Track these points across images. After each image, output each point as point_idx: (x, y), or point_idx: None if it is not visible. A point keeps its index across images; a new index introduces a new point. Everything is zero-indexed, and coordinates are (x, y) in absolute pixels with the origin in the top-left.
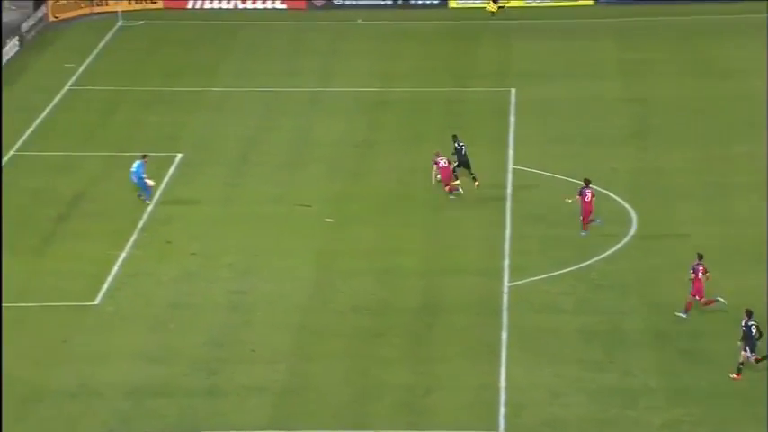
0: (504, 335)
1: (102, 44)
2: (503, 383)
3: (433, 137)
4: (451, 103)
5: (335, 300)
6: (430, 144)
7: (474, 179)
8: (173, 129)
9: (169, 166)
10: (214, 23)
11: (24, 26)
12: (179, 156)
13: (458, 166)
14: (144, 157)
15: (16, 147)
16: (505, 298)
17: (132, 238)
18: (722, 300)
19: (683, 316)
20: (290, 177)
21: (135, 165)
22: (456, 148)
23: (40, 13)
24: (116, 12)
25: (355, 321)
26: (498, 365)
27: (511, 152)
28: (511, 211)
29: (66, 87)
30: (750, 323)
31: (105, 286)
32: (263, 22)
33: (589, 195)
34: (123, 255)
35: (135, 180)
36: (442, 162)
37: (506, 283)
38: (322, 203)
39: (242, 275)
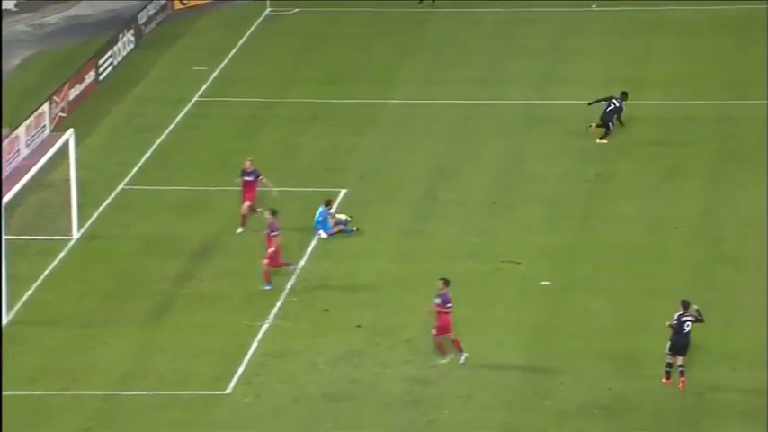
0: None
1: (242, 41)
2: None
3: (695, 169)
4: (724, 122)
5: (554, 395)
6: (692, 179)
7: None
8: (335, 155)
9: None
10: (394, 12)
11: (142, 16)
12: (342, 192)
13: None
14: (328, 203)
15: (126, 179)
16: None
17: (277, 304)
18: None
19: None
20: (492, 223)
21: (318, 213)
22: (606, 102)
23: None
24: None
25: (582, 426)
26: None
27: None
28: None
29: (194, 99)
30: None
31: (241, 369)
32: (459, 10)
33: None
34: (265, 326)
35: (324, 234)
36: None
37: None
38: (537, 260)
39: (425, 357)
